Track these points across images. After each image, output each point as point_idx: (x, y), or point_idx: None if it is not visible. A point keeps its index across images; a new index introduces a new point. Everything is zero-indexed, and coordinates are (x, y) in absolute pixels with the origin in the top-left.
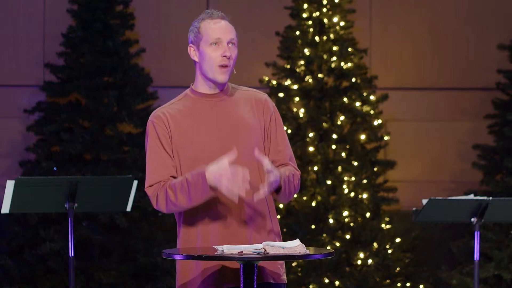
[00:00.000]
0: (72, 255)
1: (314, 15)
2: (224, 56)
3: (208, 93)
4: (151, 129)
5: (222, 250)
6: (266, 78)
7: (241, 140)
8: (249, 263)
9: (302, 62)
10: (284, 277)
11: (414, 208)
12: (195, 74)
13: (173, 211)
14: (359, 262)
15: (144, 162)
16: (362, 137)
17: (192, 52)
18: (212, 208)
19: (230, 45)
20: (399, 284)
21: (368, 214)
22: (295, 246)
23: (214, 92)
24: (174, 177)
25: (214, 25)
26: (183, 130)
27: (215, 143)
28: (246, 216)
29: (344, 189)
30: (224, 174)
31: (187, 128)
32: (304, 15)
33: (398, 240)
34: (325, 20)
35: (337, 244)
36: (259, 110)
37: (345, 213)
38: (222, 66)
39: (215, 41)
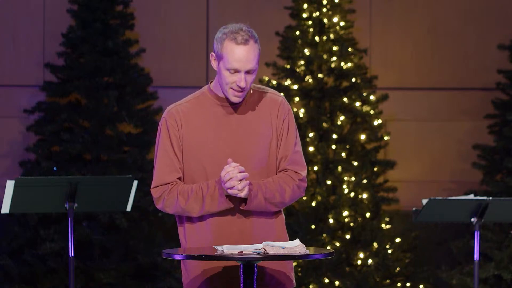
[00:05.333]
0: (72, 255)
1: (314, 15)
2: (238, 86)
3: (224, 96)
4: (163, 127)
5: (222, 250)
6: (266, 78)
7: (252, 147)
8: (249, 263)
9: (302, 62)
10: (294, 282)
11: (414, 208)
12: (215, 75)
13: (179, 214)
14: (359, 262)
15: (144, 162)
16: (362, 137)
17: (213, 62)
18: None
19: (247, 75)
20: (399, 284)
21: (368, 214)
22: (295, 246)
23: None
24: (180, 179)
25: (235, 52)
26: (195, 131)
27: (225, 148)
28: (251, 217)
29: (344, 189)
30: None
31: (198, 130)
32: (304, 15)
33: (398, 240)
34: (325, 20)
35: (337, 244)
36: (273, 113)
37: (345, 213)
38: (235, 93)
39: (232, 70)
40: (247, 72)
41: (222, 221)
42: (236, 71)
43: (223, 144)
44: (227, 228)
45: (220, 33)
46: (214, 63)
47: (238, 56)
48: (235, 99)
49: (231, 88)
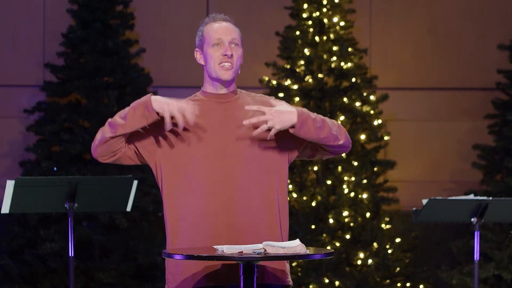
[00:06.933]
0: (72, 255)
1: (314, 15)
2: (225, 55)
3: (216, 93)
4: None
5: (222, 250)
6: (266, 78)
7: (245, 143)
8: (249, 263)
9: (302, 62)
10: (289, 279)
11: (414, 208)
12: (203, 78)
13: (101, 147)
14: (359, 262)
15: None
16: (362, 137)
17: (198, 56)
18: (207, 211)
19: (232, 45)
20: (399, 284)
21: (368, 214)
22: (295, 246)
23: (222, 92)
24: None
25: (216, 26)
26: (188, 129)
27: (217, 144)
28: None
29: (344, 189)
30: (172, 102)
31: (192, 127)
32: (304, 15)
33: (398, 240)
34: (325, 20)
35: (337, 244)
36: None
37: (345, 213)
38: (224, 65)
39: (216, 42)
40: (231, 43)
41: (208, 215)
42: (220, 42)
43: (216, 140)
44: (214, 222)
45: (199, 29)
46: (199, 57)
47: (219, 28)
48: (225, 75)
49: (220, 64)
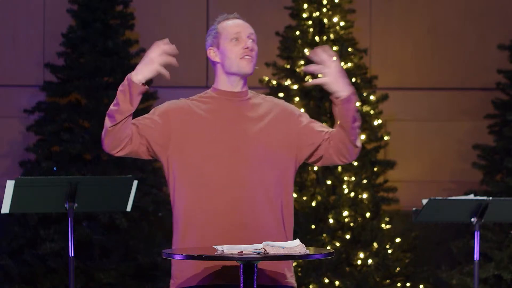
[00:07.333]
0: (72, 255)
1: (314, 15)
2: (246, 48)
3: (230, 91)
4: (165, 105)
5: (222, 250)
6: (266, 78)
7: (255, 140)
8: (249, 263)
9: (302, 62)
10: (292, 280)
11: (414, 208)
12: (214, 76)
13: (107, 139)
14: (359, 262)
15: (144, 162)
16: (362, 137)
17: (212, 54)
18: (217, 211)
19: (250, 40)
20: (399, 284)
21: (368, 214)
22: (295, 246)
23: (236, 90)
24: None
25: (232, 22)
26: (199, 125)
27: (227, 145)
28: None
29: (344, 189)
30: (152, 61)
31: (203, 124)
32: (304, 15)
33: (398, 240)
34: (325, 20)
35: (337, 244)
36: (284, 117)
37: (345, 213)
38: (246, 57)
39: (235, 37)
40: (249, 38)
41: (215, 213)
42: (239, 36)
43: (226, 138)
44: (221, 220)
45: (210, 28)
46: (214, 54)
47: (236, 24)
48: (247, 68)
49: (241, 58)
